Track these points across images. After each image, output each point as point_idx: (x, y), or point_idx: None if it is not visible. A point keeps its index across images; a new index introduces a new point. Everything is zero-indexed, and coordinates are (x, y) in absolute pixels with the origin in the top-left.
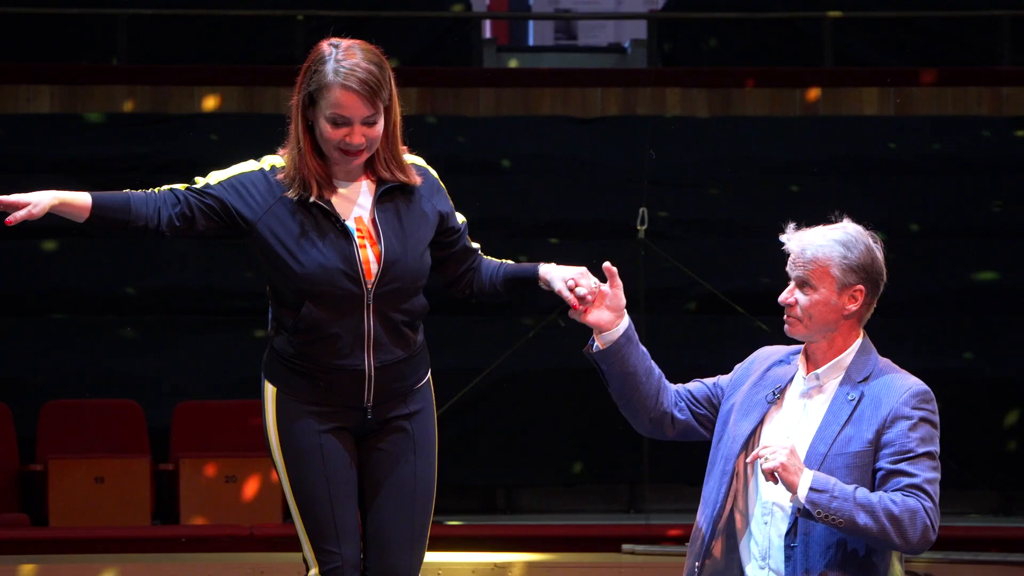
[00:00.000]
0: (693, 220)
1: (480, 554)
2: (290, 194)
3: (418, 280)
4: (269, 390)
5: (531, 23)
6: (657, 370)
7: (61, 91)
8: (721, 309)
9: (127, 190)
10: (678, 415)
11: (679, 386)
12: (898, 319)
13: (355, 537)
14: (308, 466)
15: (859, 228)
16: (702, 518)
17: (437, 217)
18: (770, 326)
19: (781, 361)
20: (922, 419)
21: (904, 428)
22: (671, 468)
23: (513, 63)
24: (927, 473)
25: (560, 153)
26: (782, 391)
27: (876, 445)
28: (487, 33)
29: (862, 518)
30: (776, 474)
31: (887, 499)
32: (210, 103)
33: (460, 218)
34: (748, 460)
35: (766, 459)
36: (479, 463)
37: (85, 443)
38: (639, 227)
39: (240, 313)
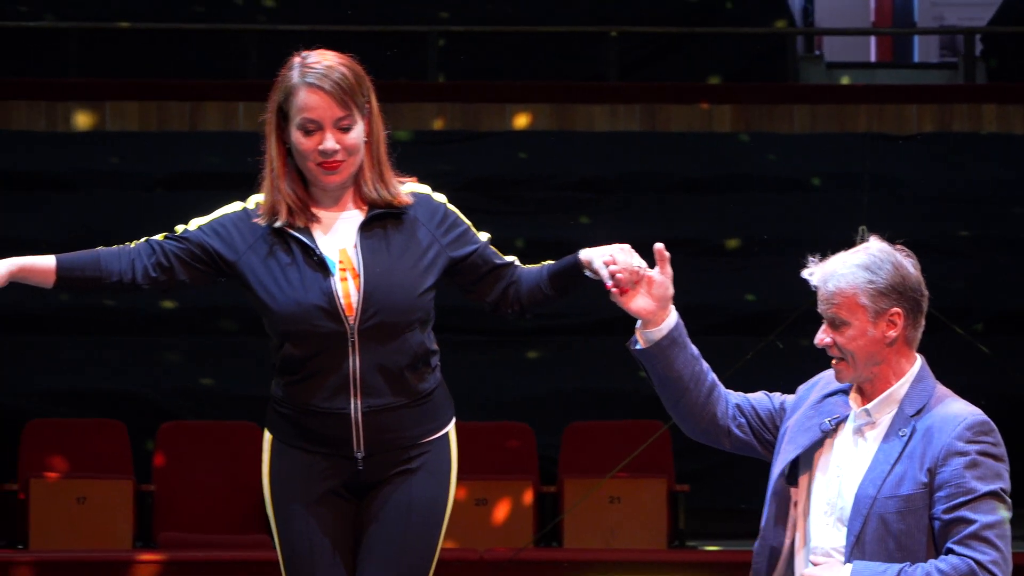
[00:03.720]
0: (991, 238)
1: None
2: (261, 221)
3: (409, 314)
4: (266, 438)
5: (916, 39)
6: (711, 377)
7: None
8: (1008, 329)
9: (99, 247)
10: (737, 432)
11: (742, 398)
12: None
13: None
14: (294, 528)
15: (884, 246)
16: (756, 556)
17: (437, 245)
18: None
19: (844, 391)
20: (980, 453)
21: (958, 466)
22: None
23: (845, 80)
24: (989, 516)
25: (870, 171)
26: (840, 423)
27: (930, 487)
28: (816, 50)
29: None
30: None
31: (935, 571)
32: (521, 120)
33: (483, 236)
34: None
35: None
36: (746, 486)
37: None
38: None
39: (508, 333)
